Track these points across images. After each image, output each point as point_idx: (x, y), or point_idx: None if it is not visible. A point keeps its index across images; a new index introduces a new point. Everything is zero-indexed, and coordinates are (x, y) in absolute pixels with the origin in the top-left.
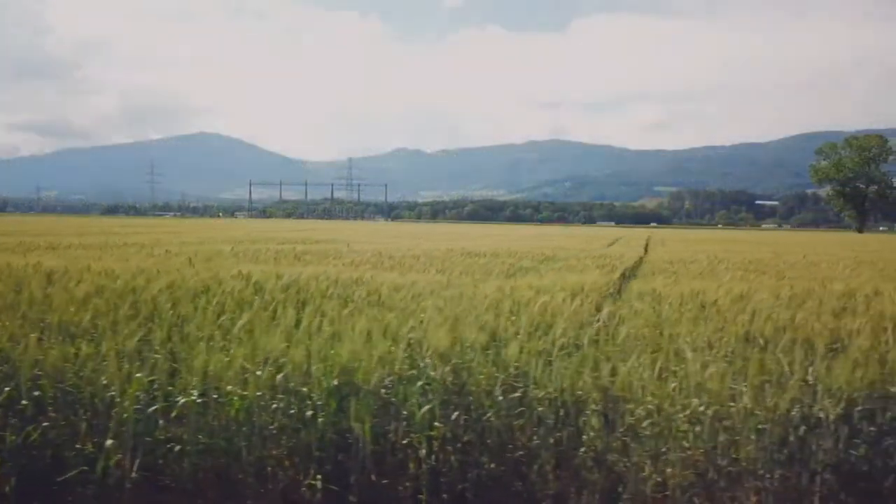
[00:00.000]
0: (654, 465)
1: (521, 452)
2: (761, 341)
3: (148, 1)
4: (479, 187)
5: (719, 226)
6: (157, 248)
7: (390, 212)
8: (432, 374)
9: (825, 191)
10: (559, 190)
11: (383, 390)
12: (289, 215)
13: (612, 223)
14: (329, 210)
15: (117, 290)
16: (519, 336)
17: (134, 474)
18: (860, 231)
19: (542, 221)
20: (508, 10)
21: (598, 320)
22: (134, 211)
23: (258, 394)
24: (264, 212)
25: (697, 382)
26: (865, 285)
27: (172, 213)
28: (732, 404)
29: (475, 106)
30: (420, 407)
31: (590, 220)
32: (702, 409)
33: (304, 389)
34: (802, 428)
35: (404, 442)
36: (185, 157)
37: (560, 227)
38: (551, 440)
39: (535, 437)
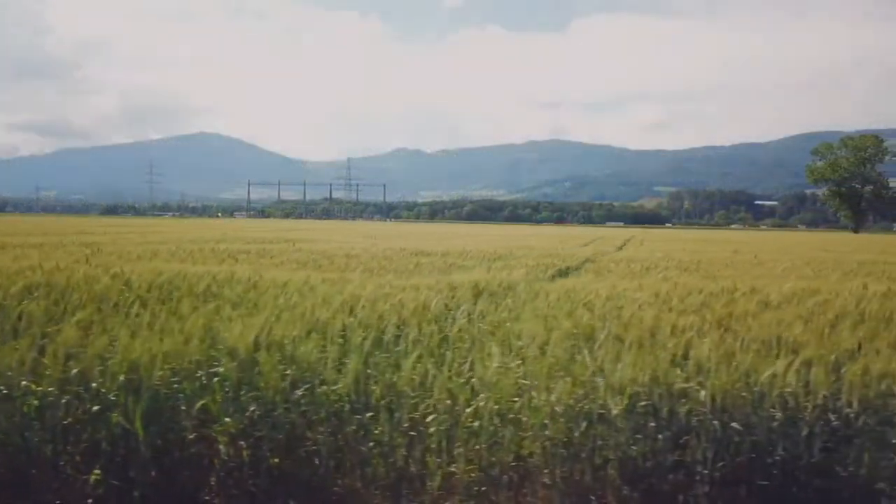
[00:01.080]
0: (440, 461)
1: (313, 448)
2: (583, 338)
3: (148, 1)
4: (478, 187)
5: (733, 226)
6: (99, 247)
7: (389, 212)
8: (221, 369)
9: (821, 191)
10: (559, 190)
11: (175, 385)
12: (287, 215)
13: (621, 223)
14: (328, 210)
15: None
16: (342, 333)
17: None
18: (856, 231)
19: (541, 222)
20: (508, 10)
21: (452, 316)
22: (133, 211)
23: (50, 389)
24: (263, 212)
25: (483, 378)
26: (751, 283)
27: (171, 214)
28: (517, 399)
29: (475, 106)
30: (207, 401)
31: (589, 221)
32: (482, 404)
33: (94, 384)
34: (584, 423)
35: (191, 437)
36: (185, 157)
37: (555, 228)
38: (339, 436)
39: (320, 433)
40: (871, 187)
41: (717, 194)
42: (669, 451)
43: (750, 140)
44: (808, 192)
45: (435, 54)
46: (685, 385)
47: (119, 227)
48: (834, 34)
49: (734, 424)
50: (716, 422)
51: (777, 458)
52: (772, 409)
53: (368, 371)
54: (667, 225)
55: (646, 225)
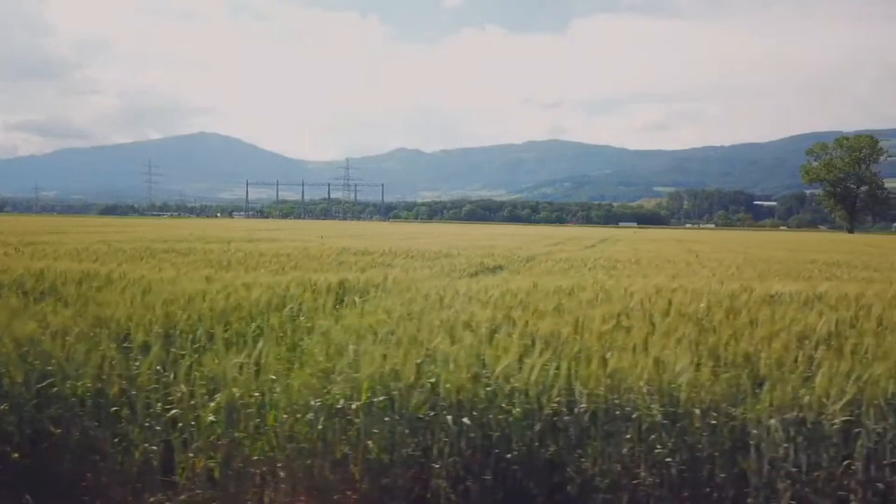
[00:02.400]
0: (190, 455)
1: (59, 443)
2: (367, 334)
3: (148, 0)
4: (478, 187)
5: (715, 227)
6: (19, 248)
7: (388, 212)
8: None
9: (816, 192)
10: (558, 190)
11: None
12: (286, 215)
13: (634, 224)
14: (327, 210)
15: None
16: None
17: None
18: (851, 231)
19: (540, 222)
20: (508, 11)
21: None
22: (132, 211)
23: None
24: (261, 212)
25: (218, 373)
26: (625, 281)
27: (169, 214)
28: (256, 395)
29: (475, 106)
30: None
31: (587, 221)
32: (219, 399)
33: None
34: (323, 417)
35: None
36: (185, 157)
37: (545, 228)
38: (82, 430)
39: (63, 428)
40: (866, 188)
41: (716, 194)
42: (405, 446)
43: (749, 140)
44: (807, 192)
45: (435, 54)
46: (417, 380)
47: (96, 227)
48: (834, 34)
49: (465, 419)
50: (449, 416)
51: (514, 453)
52: (506, 405)
53: (112, 367)
54: (687, 225)
55: (655, 225)
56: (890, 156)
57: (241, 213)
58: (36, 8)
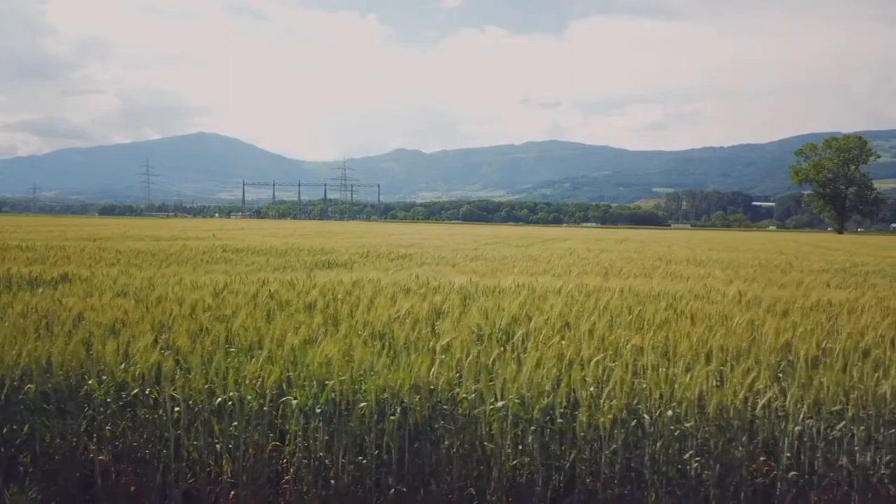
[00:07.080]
0: None
1: None
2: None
3: (147, 1)
4: (478, 188)
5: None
6: None
7: (386, 212)
8: None
9: (806, 192)
10: (558, 191)
11: None
12: (283, 216)
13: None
14: (323, 210)
15: None
16: None
17: None
18: (840, 232)
19: (536, 223)
20: (507, 12)
21: None
22: (130, 211)
23: None
24: (259, 212)
25: None
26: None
27: (166, 214)
28: None
29: (474, 106)
30: None
31: (585, 221)
32: None
33: None
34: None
35: None
36: (184, 158)
37: (524, 228)
38: None
39: None
40: (855, 188)
41: (714, 195)
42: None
43: (748, 141)
44: (805, 193)
45: (434, 55)
46: None
47: (41, 226)
48: (833, 36)
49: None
50: None
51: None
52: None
53: None
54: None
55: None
56: (879, 156)
57: (239, 213)
58: (36, 8)
